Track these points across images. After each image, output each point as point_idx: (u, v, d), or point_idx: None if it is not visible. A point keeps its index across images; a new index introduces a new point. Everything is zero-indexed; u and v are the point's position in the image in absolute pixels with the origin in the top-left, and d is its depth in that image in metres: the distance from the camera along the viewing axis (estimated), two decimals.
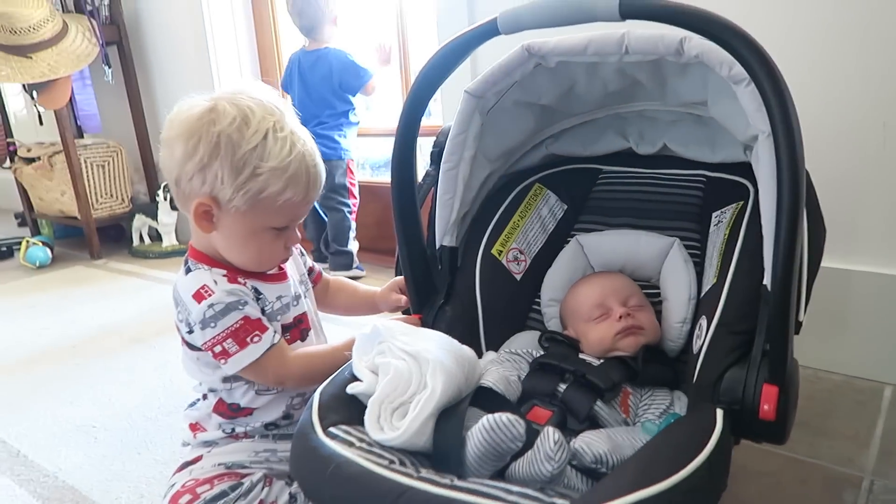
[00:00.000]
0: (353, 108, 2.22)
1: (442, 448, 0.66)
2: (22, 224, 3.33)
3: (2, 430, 1.34)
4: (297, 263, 1.04)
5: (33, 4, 2.27)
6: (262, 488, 0.85)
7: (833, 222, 0.87)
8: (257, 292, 0.90)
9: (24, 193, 3.03)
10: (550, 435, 0.65)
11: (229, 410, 0.93)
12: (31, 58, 2.24)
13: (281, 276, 0.95)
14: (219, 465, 0.90)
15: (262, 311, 0.90)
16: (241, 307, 0.85)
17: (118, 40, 2.61)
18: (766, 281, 0.71)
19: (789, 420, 0.71)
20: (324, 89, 2.17)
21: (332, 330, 1.08)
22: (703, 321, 0.83)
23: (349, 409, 0.72)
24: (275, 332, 0.88)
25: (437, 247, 1.03)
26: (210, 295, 0.84)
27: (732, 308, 0.79)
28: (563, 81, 0.99)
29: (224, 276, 0.87)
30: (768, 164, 0.69)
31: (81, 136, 2.89)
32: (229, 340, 0.84)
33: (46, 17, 2.29)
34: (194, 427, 0.96)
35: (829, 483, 1.00)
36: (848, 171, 1.27)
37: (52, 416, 1.39)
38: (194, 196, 0.84)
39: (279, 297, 0.93)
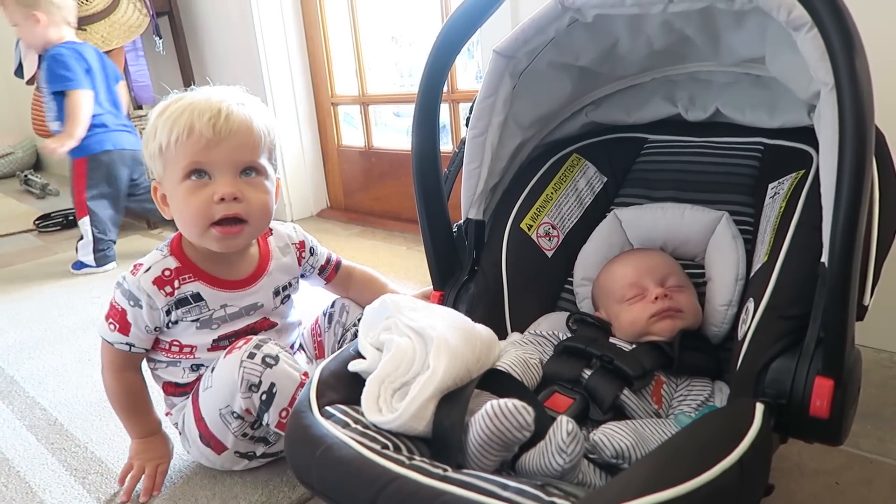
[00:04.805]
0: None
1: (441, 434, 0.60)
2: None
3: (45, 398, 1.37)
4: (289, 267, 1.00)
5: None
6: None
7: None
8: (197, 298, 0.90)
9: None
10: (563, 425, 0.58)
11: (174, 387, 0.96)
12: (85, 30, 2.28)
13: (243, 283, 0.94)
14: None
15: (197, 320, 0.91)
16: (130, 302, 0.89)
17: (168, 10, 2.63)
18: (825, 258, 0.62)
19: (846, 419, 0.62)
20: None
21: None
22: (750, 304, 0.74)
23: (350, 388, 0.68)
24: (127, 343, 0.91)
25: (463, 220, 0.97)
26: (134, 274, 0.88)
27: (784, 289, 0.69)
28: (604, 39, 0.90)
29: (169, 269, 0.89)
30: (830, 121, 0.59)
31: (140, 108, 2.94)
32: (108, 307, 0.92)
33: None
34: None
35: None
36: None
37: (92, 385, 1.41)
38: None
39: (224, 306, 0.92)
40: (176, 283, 0.88)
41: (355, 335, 1.01)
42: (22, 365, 1.55)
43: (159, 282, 0.87)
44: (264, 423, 0.87)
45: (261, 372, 0.83)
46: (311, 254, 1.03)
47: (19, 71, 2.88)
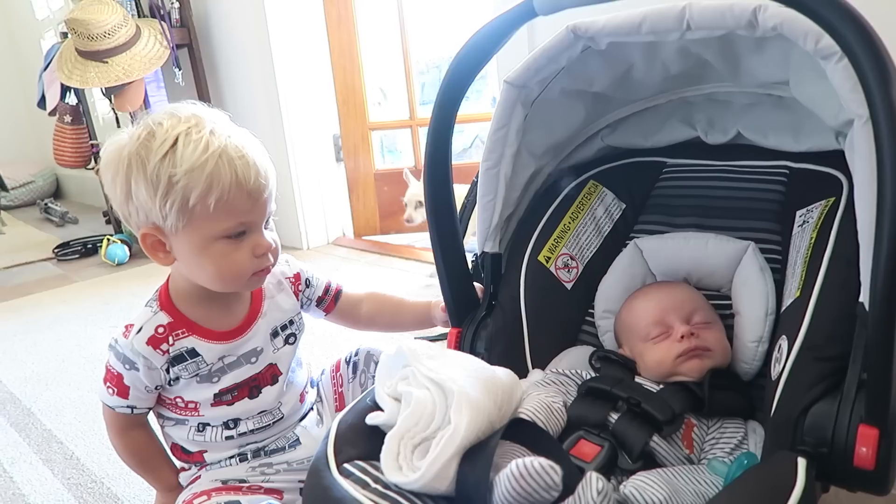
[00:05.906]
0: None
1: (465, 493, 0.57)
2: (108, 222, 3.49)
3: (62, 431, 1.37)
4: (286, 304, 0.93)
5: (108, 11, 2.35)
6: None
7: None
8: (193, 353, 0.84)
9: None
10: (593, 483, 0.55)
11: (182, 453, 0.91)
12: (107, 62, 2.32)
13: (237, 332, 0.87)
14: (215, 480, 0.88)
15: (196, 375, 0.85)
16: (126, 366, 0.83)
17: (188, 43, 2.65)
18: (864, 298, 0.59)
19: (893, 468, 0.58)
20: None
21: None
22: (784, 342, 0.70)
23: (368, 442, 0.65)
24: (129, 405, 0.86)
25: (479, 253, 0.95)
26: (126, 336, 0.82)
27: (820, 328, 0.66)
28: (617, 65, 0.88)
29: (162, 325, 0.83)
30: (867, 154, 0.56)
31: None
32: (104, 371, 0.86)
33: (120, 23, 2.37)
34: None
35: None
36: None
37: None
38: (140, 229, 0.79)
39: (222, 358, 0.86)
40: (170, 340, 0.83)
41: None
42: (39, 397, 1.55)
43: (154, 341, 0.82)
44: None
45: None
46: (308, 285, 0.97)
47: (42, 102, 2.94)
